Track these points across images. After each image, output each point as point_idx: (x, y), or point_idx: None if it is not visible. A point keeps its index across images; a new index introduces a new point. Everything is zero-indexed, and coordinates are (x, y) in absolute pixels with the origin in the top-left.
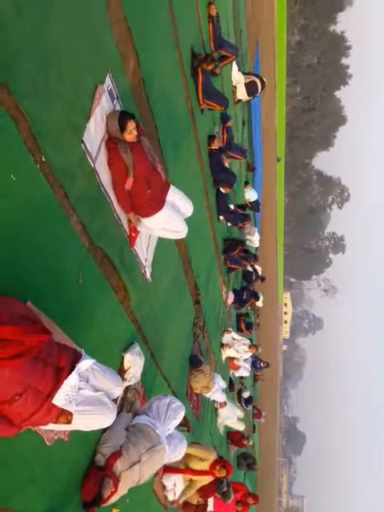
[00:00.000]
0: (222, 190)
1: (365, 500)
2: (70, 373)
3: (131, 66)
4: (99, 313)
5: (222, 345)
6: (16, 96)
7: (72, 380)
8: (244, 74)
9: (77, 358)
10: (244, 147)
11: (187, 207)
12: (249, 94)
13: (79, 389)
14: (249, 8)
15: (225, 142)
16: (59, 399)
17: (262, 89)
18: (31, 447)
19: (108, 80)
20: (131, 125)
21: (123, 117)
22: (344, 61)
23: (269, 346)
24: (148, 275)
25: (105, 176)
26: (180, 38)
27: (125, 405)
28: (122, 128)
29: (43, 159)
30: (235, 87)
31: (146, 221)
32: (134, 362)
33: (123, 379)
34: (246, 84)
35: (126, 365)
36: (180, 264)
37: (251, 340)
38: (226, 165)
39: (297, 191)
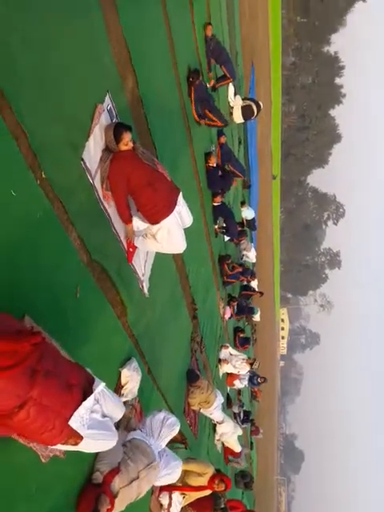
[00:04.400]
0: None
1: None
2: (82, 393)
3: (130, 86)
4: (96, 327)
5: (220, 360)
6: (17, 115)
7: (89, 403)
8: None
9: (90, 380)
10: (242, 166)
11: (188, 218)
12: (244, 118)
13: (91, 412)
14: (244, 30)
15: (219, 159)
16: (75, 421)
17: (258, 113)
18: (26, 464)
19: (107, 99)
20: (127, 136)
21: (119, 127)
22: (338, 80)
23: (266, 362)
24: (145, 290)
25: (103, 191)
26: (178, 58)
27: (121, 421)
28: (118, 139)
29: (43, 176)
30: (232, 109)
31: (155, 228)
32: (131, 378)
33: (120, 395)
34: (242, 107)
35: (123, 380)
36: (177, 279)
37: (248, 356)
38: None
39: (293, 208)
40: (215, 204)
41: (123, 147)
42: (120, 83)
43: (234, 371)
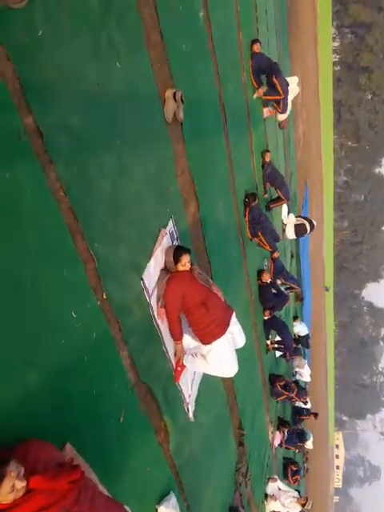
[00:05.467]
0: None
1: None
2: None
3: (192, 210)
4: (137, 456)
5: (267, 495)
6: (88, 241)
7: None
8: (295, 216)
9: None
10: (295, 278)
11: (241, 339)
12: (297, 235)
13: None
14: (299, 154)
15: (272, 273)
16: None
17: (311, 230)
18: None
19: (170, 224)
20: (185, 258)
21: (179, 250)
22: None
23: (319, 497)
24: (190, 414)
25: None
26: (236, 183)
27: None
28: (176, 260)
29: (104, 297)
30: (285, 225)
31: (206, 349)
32: None
33: None
34: (295, 225)
35: None
36: (224, 401)
37: (299, 491)
38: None
39: (347, 322)
40: (265, 318)
41: (181, 268)
42: (183, 208)
43: (283, 510)
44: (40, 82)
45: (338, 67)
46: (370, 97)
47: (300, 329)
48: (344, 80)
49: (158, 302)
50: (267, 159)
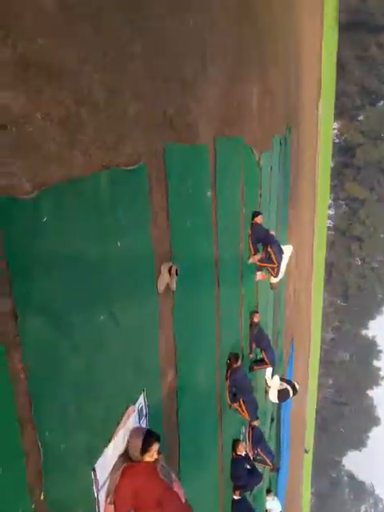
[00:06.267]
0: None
1: None
2: None
3: (168, 380)
4: None
5: None
6: (39, 429)
7: None
8: (279, 379)
9: None
10: (272, 451)
11: None
12: (280, 400)
13: None
14: (288, 311)
15: (250, 441)
16: None
17: (294, 395)
18: None
19: (141, 398)
20: (155, 447)
21: (149, 438)
22: (376, 363)
23: None
24: None
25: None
26: (221, 345)
27: None
28: (145, 449)
29: (42, 498)
30: (268, 387)
31: None
32: None
33: None
34: (278, 390)
35: None
36: None
37: None
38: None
39: (325, 491)
40: (235, 498)
41: (147, 459)
42: (159, 379)
43: None
44: (28, 265)
45: (332, 232)
46: (359, 263)
47: (272, 506)
48: (337, 244)
49: (107, 497)
50: (256, 320)
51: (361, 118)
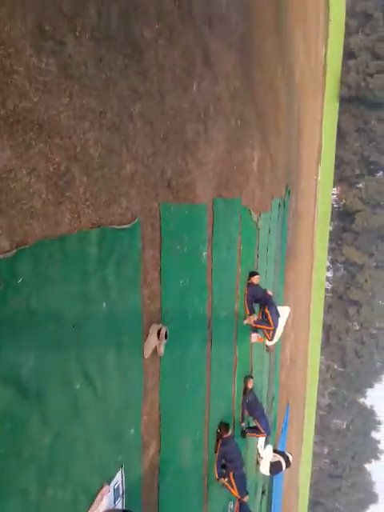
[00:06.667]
0: None
1: None
2: None
3: (151, 453)
4: None
5: None
6: None
7: None
8: (272, 449)
9: None
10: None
11: None
12: (271, 473)
13: None
14: (283, 375)
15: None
16: None
17: (287, 468)
18: None
19: (118, 476)
20: None
21: None
22: (374, 434)
23: None
24: None
25: None
26: (211, 413)
27: None
28: None
29: None
30: (260, 458)
31: None
32: None
33: None
34: (271, 462)
35: None
36: None
37: None
38: None
39: None
40: None
41: None
42: (140, 453)
43: None
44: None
45: (330, 294)
46: (357, 327)
47: None
48: (334, 307)
49: None
50: (249, 386)
51: (360, 185)
